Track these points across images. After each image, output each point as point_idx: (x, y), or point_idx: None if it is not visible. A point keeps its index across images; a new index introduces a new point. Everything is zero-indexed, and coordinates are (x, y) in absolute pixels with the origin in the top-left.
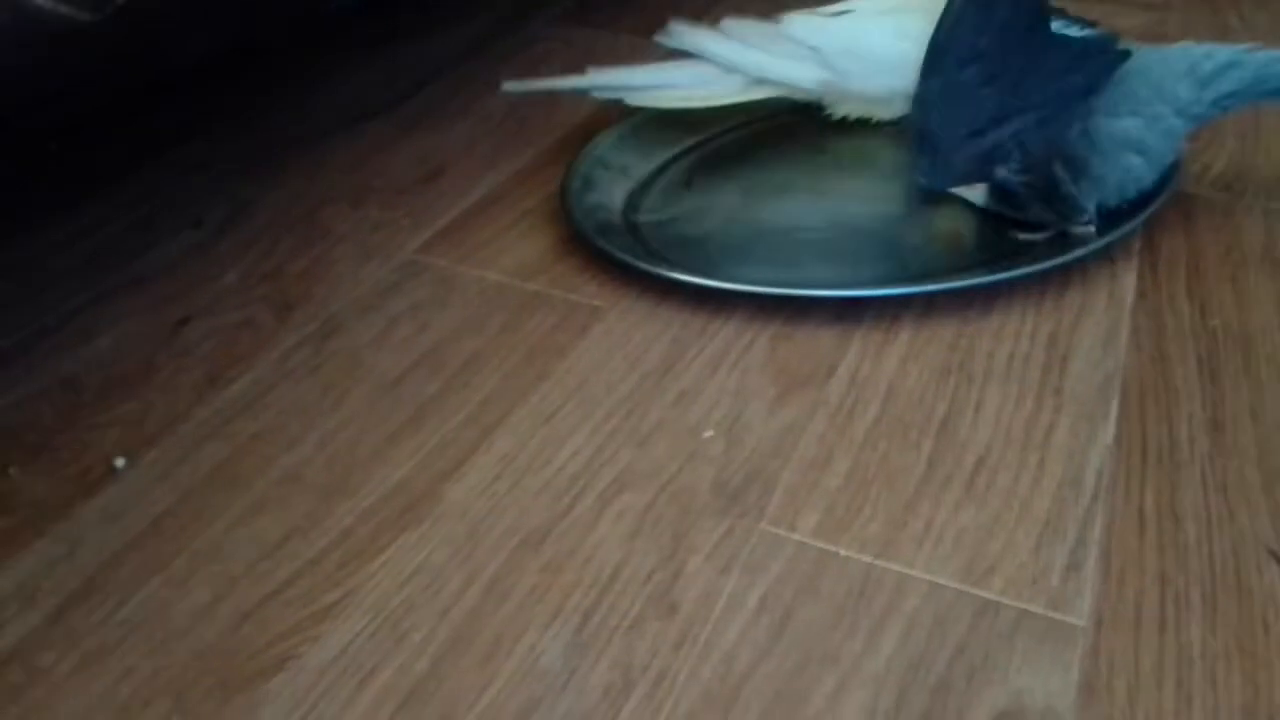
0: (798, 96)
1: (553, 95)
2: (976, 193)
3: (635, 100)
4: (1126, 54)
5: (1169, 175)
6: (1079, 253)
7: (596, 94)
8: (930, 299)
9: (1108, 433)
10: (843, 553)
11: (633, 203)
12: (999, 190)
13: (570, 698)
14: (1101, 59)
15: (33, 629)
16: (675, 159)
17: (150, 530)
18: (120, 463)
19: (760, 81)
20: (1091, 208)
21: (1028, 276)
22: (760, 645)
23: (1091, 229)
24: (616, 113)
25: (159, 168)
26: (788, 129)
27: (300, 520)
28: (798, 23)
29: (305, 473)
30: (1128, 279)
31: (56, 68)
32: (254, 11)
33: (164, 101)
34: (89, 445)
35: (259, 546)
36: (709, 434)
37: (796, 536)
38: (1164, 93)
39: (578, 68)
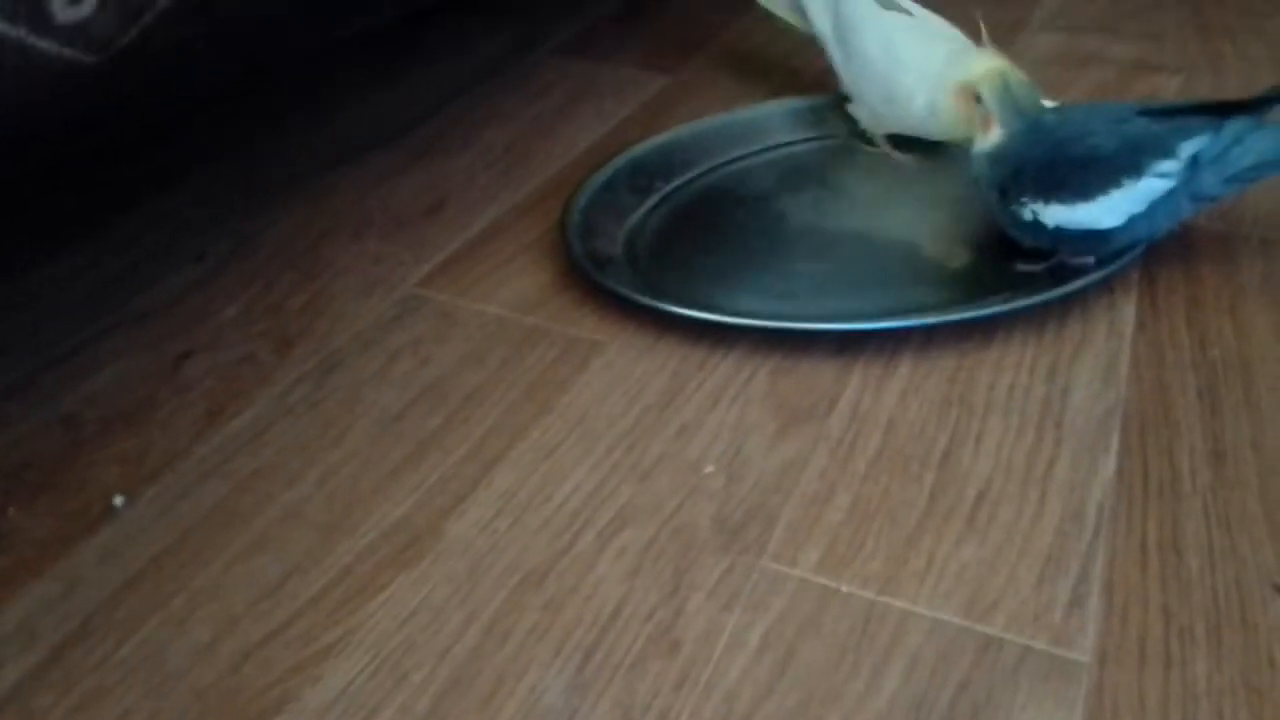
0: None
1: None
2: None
3: None
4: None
5: None
6: (1078, 284)
7: None
8: (930, 331)
9: (1109, 465)
10: (845, 589)
11: (632, 236)
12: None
13: None
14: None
15: (30, 670)
16: (675, 191)
17: (149, 569)
18: (119, 501)
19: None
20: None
21: (1028, 308)
22: (762, 684)
23: (1090, 260)
24: (616, 145)
25: (160, 202)
26: (789, 162)
27: (301, 558)
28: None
29: (306, 510)
30: (1127, 310)
31: (60, 108)
32: (256, 51)
33: (165, 135)
34: (88, 483)
35: (259, 585)
36: (710, 469)
37: (798, 573)
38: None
39: (579, 99)
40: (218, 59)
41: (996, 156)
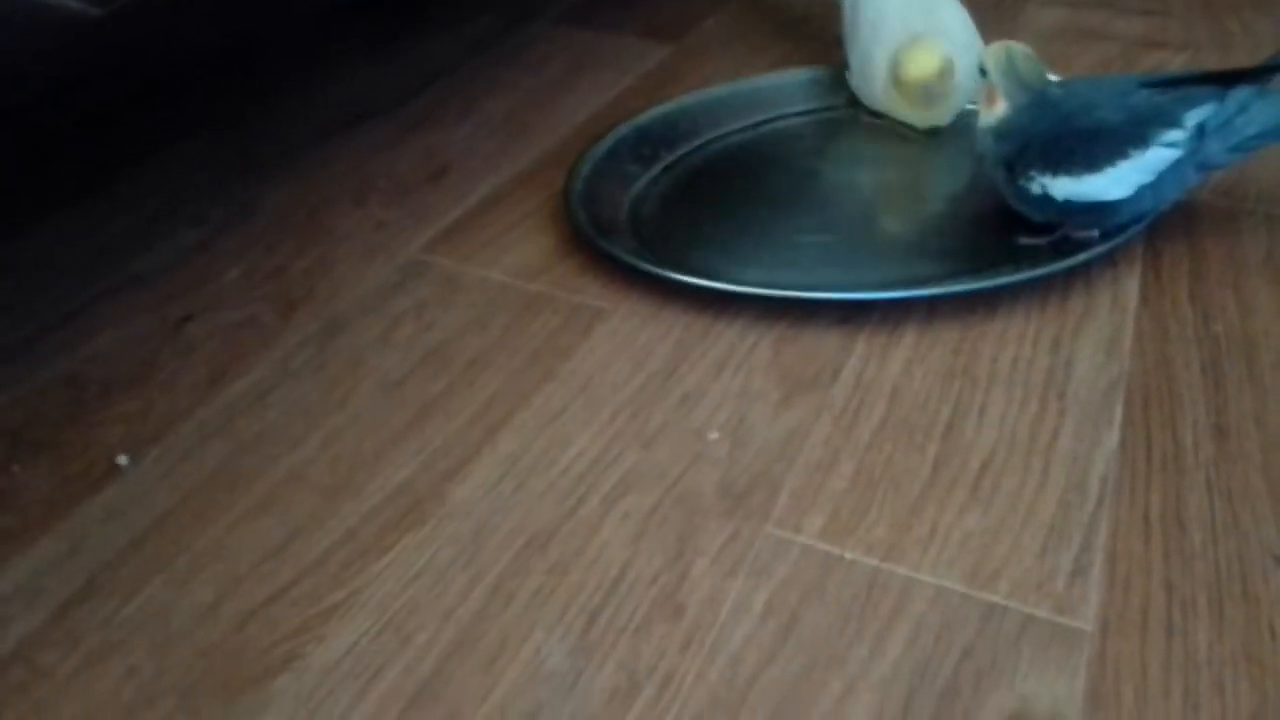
0: None
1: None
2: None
3: None
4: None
5: None
6: (1082, 257)
7: None
8: (934, 303)
9: (1112, 438)
10: (848, 556)
11: (636, 203)
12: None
13: (576, 701)
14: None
15: (35, 628)
16: (679, 160)
17: (153, 529)
18: (123, 460)
19: None
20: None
21: (1031, 281)
22: (766, 649)
23: (1095, 234)
24: (618, 115)
25: (162, 165)
26: (793, 132)
27: (304, 520)
28: None
29: (309, 472)
30: (1131, 284)
31: (62, 62)
32: (255, 11)
33: (167, 98)
34: (92, 443)
35: (263, 546)
36: (714, 436)
37: (802, 539)
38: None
39: (580, 70)
40: (217, 17)
41: (1001, 131)
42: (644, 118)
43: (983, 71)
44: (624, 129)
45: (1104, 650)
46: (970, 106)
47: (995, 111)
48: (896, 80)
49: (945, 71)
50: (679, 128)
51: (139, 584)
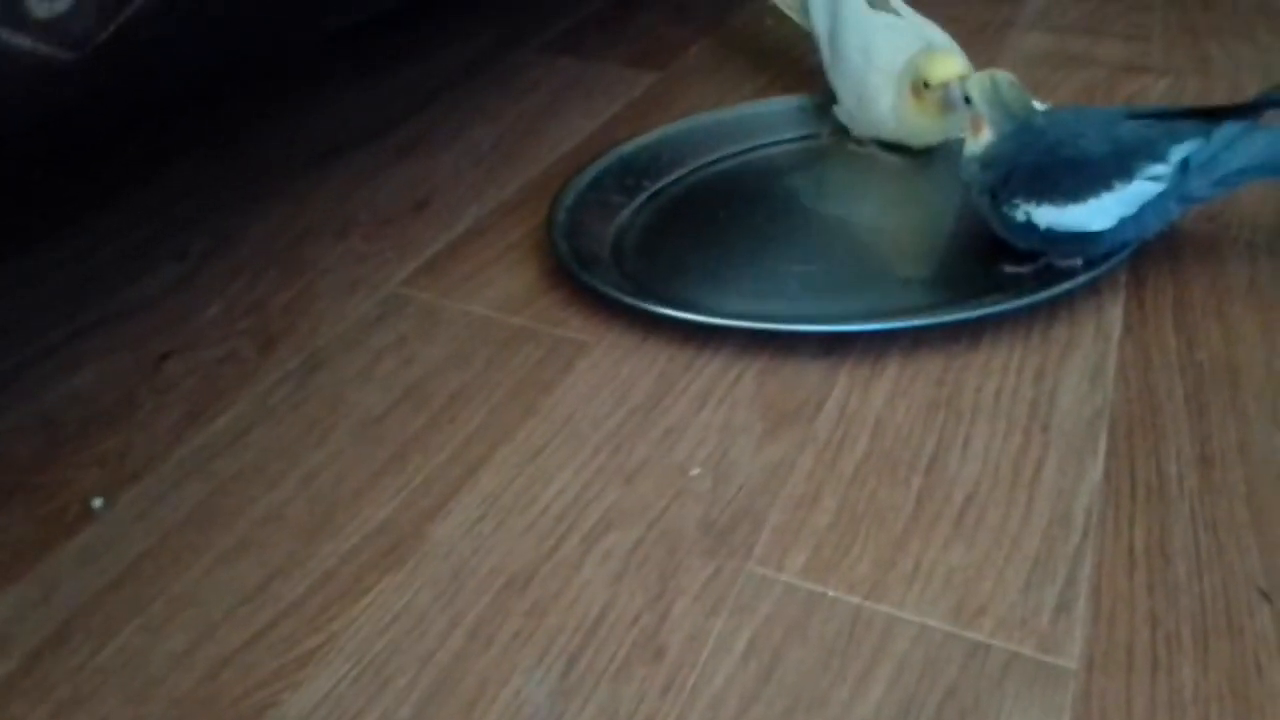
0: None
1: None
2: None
3: None
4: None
5: None
6: (1066, 286)
7: None
8: (917, 333)
9: (1096, 469)
10: (831, 594)
11: (620, 234)
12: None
13: None
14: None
15: (5, 677)
16: (663, 190)
17: (128, 573)
18: (98, 503)
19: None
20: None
21: (1015, 311)
22: (748, 690)
23: (1078, 262)
24: (603, 143)
25: (140, 199)
26: (777, 161)
27: (282, 561)
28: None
29: (287, 512)
30: (1114, 312)
31: (37, 105)
32: (236, 45)
33: (147, 132)
34: (66, 484)
35: (239, 589)
36: (696, 471)
37: (785, 577)
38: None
39: (565, 98)
40: (198, 54)
41: (987, 160)
42: (628, 147)
43: (967, 100)
44: (608, 158)
45: (1089, 688)
46: (958, 135)
47: (981, 139)
48: (918, 87)
49: (966, 75)
50: (663, 158)
51: (113, 630)
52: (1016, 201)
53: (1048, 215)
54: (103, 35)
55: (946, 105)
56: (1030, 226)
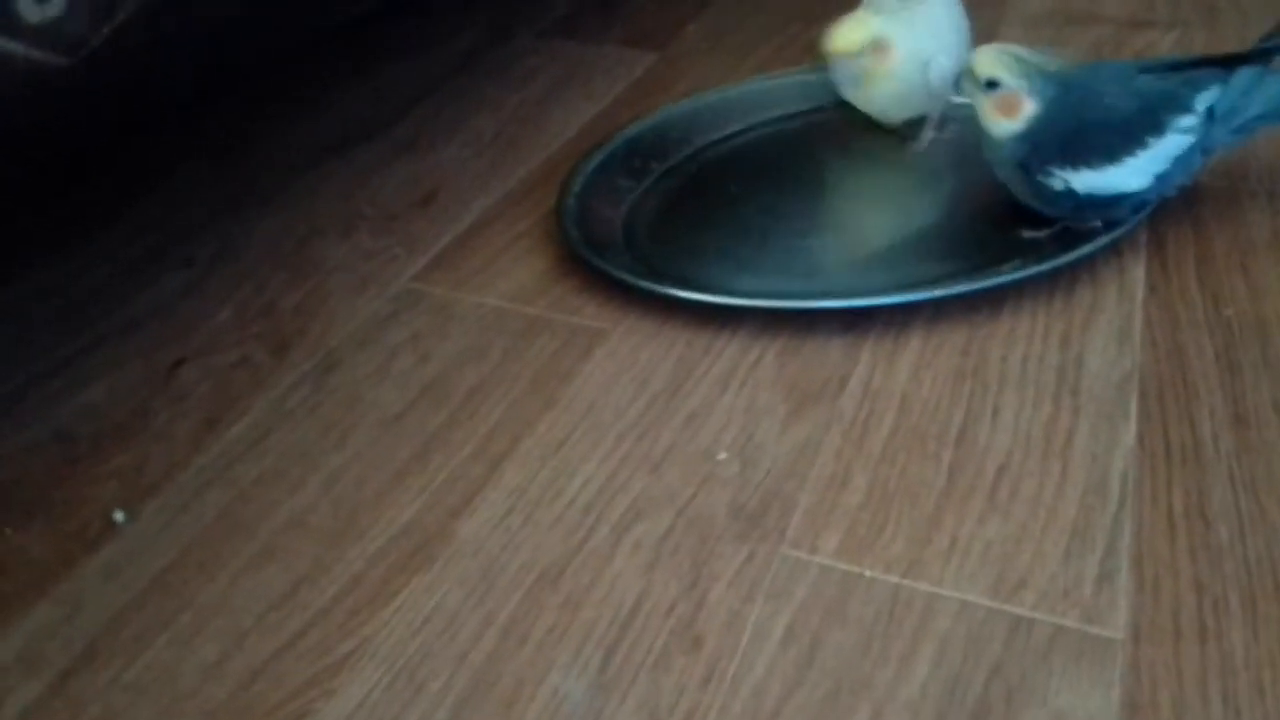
0: None
1: None
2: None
3: None
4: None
5: None
6: (1086, 249)
7: None
8: (939, 304)
9: (1129, 433)
10: (868, 574)
11: (630, 217)
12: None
13: None
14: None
15: (36, 698)
16: (671, 170)
17: (154, 586)
18: (120, 516)
19: None
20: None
21: (1036, 276)
22: (790, 677)
23: (1098, 223)
24: (607, 127)
25: (143, 208)
26: (784, 136)
27: (309, 567)
28: None
29: (311, 517)
30: (1137, 272)
31: (32, 111)
32: (232, 46)
33: (147, 139)
34: (86, 500)
35: (267, 597)
36: (722, 456)
37: (819, 559)
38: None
39: (566, 83)
40: (194, 57)
41: (1027, 134)
42: (633, 129)
43: (992, 85)
44: (614, 142)
45: (1137, 659)
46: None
47: (1022, 116)
48: (827, 52)
49: (872, 49)
50: (669, 137)
51: (142, 645)
52: (1052, 170)
53: (1087, 180)
54: (96, 40)
55: (850, 79)
56: (1069, 194)
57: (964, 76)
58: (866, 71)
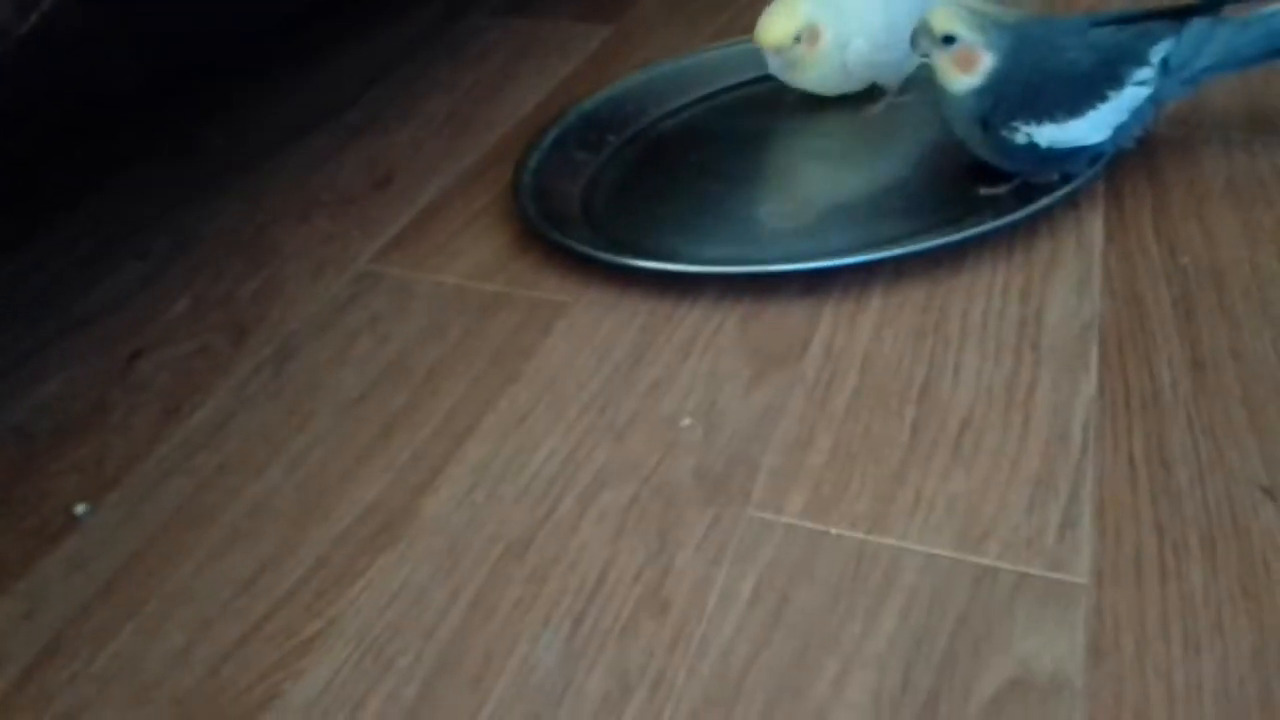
0: None
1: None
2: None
3: None
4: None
5: None
6: (1044, 202)
7: None
8: (898, 263)
9: (1090, 383)
10: (834, 531)
11: (588, 191)
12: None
13: (568, 709)
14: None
15: (2, 693)
16: (628, 142)
17: (118, 577)
18: (81, 509)
19: None
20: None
21: (995, 231)
22: (757, 636)
23: (1054, 176)
24: (563, 102)
25: (96, 203)
26: (741, 104)
27: (274, 551)
28: None
29: (275, 501)
30: (1094, 223)
31: None
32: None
33: (98, 131)
34: (46, 494)
35: (232, 583)
36: (686, 422)
37: (785, 519)
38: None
39: (520, 59)
40: (136, 47)
41: (986, 88)
42: (589, 103)
43: (949, 40)
44: (569, 116)
45: (1100, 602)
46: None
47: (979, 71)
48: (758, 44)
49: (801, 37)
50: (625, 110)
51: (107, 636)
52: (1016, 124)
53: (1049, 134)
54: (23, 27)
55: (784, 66)
56: (1031, 147)
57: (920, 33)
58: (799, 59)
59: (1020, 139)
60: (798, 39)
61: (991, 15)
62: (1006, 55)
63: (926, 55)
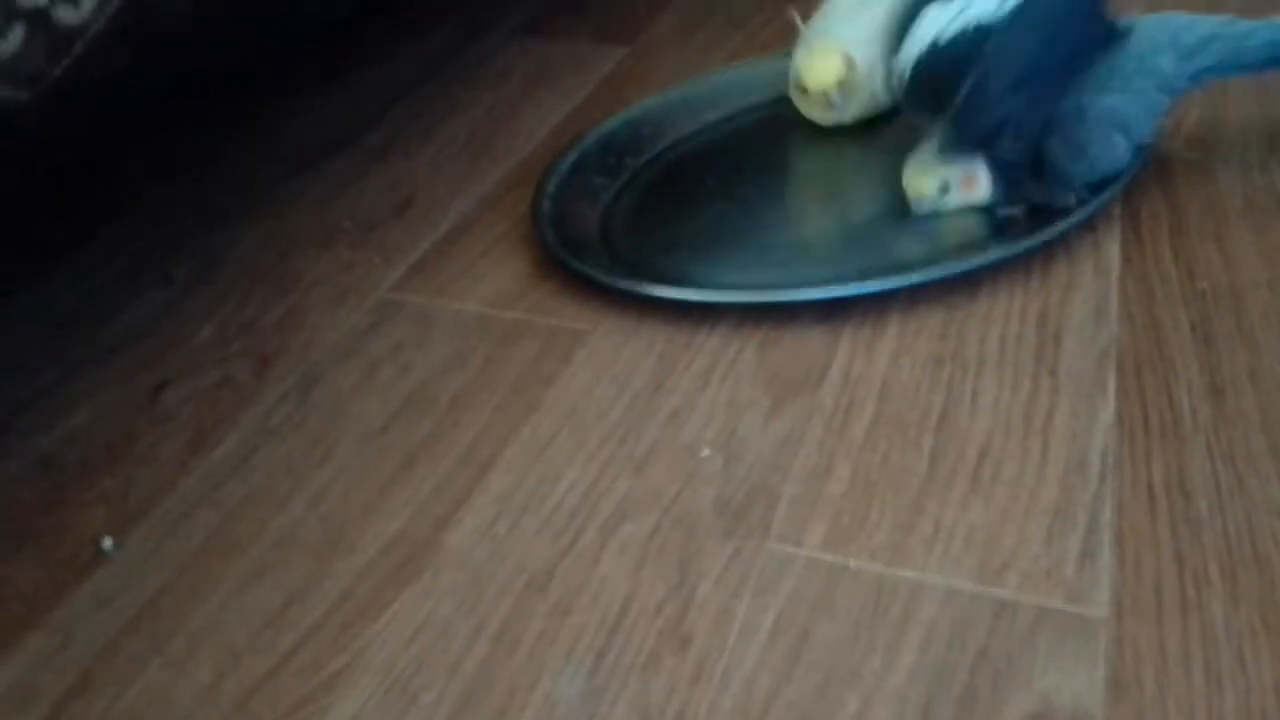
0: None
1: None
2: (981, 190)
3: None
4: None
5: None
6: (1061, 226)
7: None
8: (915, 289)
9: (1108, 410)
10: (853, 564)
11: (606, 216)
12: (999, 170)
13: None
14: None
15: None
16: (645, 166)
17: (145, 611)
18: (108, 543)
19: None
20: (1079, 185)
21: (1012, 256)
22: (779, 670)
23: (1072, 200)
24: (581, 124)
25: (117, 229)
26: (758, 127)
27: (299, 584)
28: None
29: (299, 533)
30: (1111, 247)
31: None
32: (193, 66)
33: (119, 160)
34: (73, 527)
35: (259, 617)
36: (706, 452)
37: (805, 552)
38: (1147, 67)
39: (538, 81)
40: (156, 80)
41: (996, 188)
42: (606, 126)
43: (943, 189)
44: (587, 140)
45: (1120, 635)
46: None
47: (983, 186)
48: (801, 88)
49: (846, 76)
50: (642, 133)
51: (135, 670)
52: (1060, 189)
53: (1085, 177)
54: (55, 71)
55: (829, 105)
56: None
57: (918, 202)
58: (845, 95)
59: (1063, 200)
60: (841, 80)
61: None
62: (1002, 166)
63: (941, 208)
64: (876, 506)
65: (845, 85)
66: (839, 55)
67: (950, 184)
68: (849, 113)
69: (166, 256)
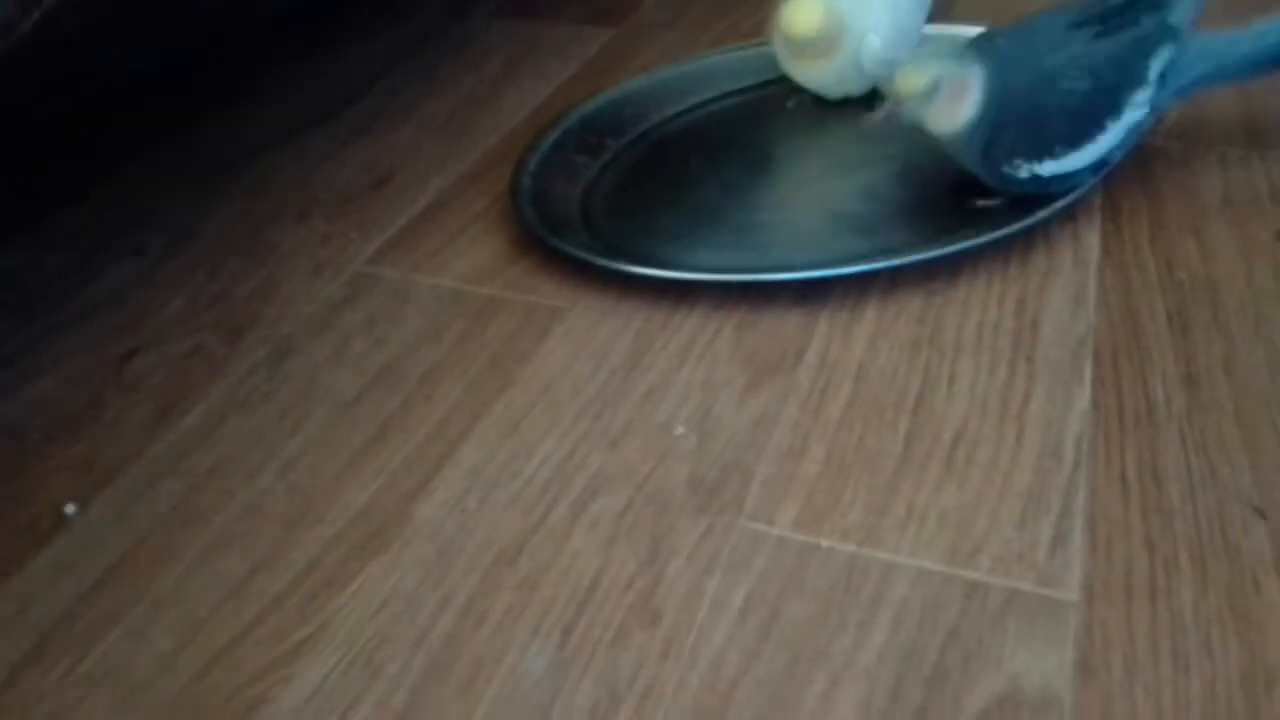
0: None
1: None
2: (967, 107)
3: None
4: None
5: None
6: (1041, 215)
7: None
8: (894, 274)
9: (1084, 397)
10: (825, 544)
11: (586, 196)
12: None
13: (558, 719)
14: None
15: None
16: (627, 147)
17: (106, 578)
18: (71, 509)
19: None
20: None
21: (991, 243)
22: (748, 648)
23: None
24: (563, 105)
25: (94, 198)
26: (741, 110)
27: (265, 554)
28: None
29: (266, 504)
30: (1091, 237)
31: None
32: (173, 33)
33: (96, 127)
34: (36, 493)
35: (223, 586)
36: (680, 430)
37: (777, 531)
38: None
39: (521, 62)
40: (134, 45)
41: (980, 117)
42: (589, 106)
43: (932, 87)
44: (569, 120)
45: (1090, 619)
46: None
47: (971, 99)
48: (783, 36)
49: (827, 26)
50: (625, 114)
51: (94, 638)
52: (1017, 162)
53: (1051, 167)
54: (26, 25)
55: (810, 55)
56: (1034, 179)
57: (900, 103)
58: (823, 52)
59: (1023, 174)
60: (821, 33)
61: (954, 43)
62: (994, 75)
63: (916, 117)
64: (850, 487)
65: (826, 35)
66: (819, 4)
67: (941, 86)
68: (823, 75)
69: (141, 227)
